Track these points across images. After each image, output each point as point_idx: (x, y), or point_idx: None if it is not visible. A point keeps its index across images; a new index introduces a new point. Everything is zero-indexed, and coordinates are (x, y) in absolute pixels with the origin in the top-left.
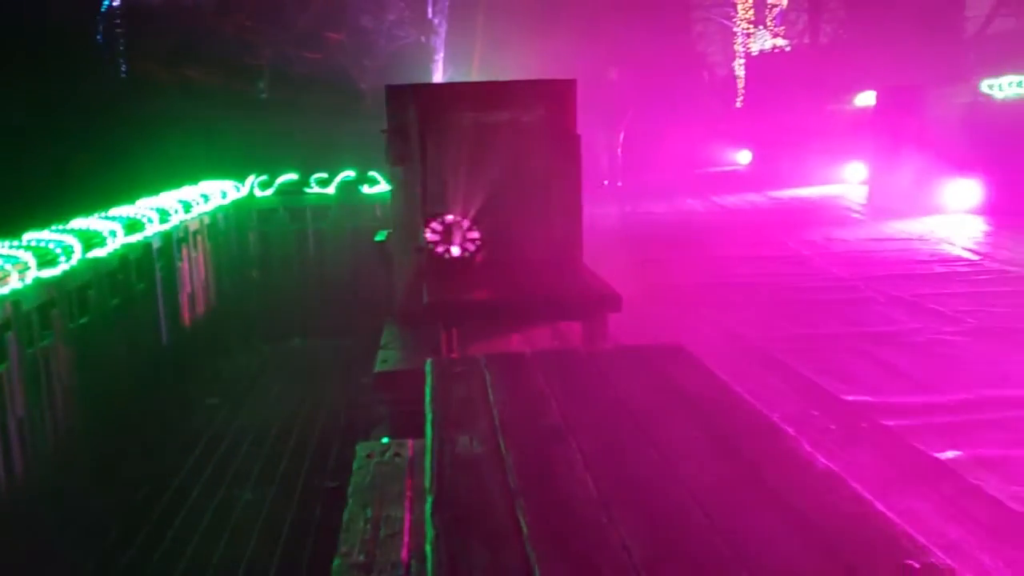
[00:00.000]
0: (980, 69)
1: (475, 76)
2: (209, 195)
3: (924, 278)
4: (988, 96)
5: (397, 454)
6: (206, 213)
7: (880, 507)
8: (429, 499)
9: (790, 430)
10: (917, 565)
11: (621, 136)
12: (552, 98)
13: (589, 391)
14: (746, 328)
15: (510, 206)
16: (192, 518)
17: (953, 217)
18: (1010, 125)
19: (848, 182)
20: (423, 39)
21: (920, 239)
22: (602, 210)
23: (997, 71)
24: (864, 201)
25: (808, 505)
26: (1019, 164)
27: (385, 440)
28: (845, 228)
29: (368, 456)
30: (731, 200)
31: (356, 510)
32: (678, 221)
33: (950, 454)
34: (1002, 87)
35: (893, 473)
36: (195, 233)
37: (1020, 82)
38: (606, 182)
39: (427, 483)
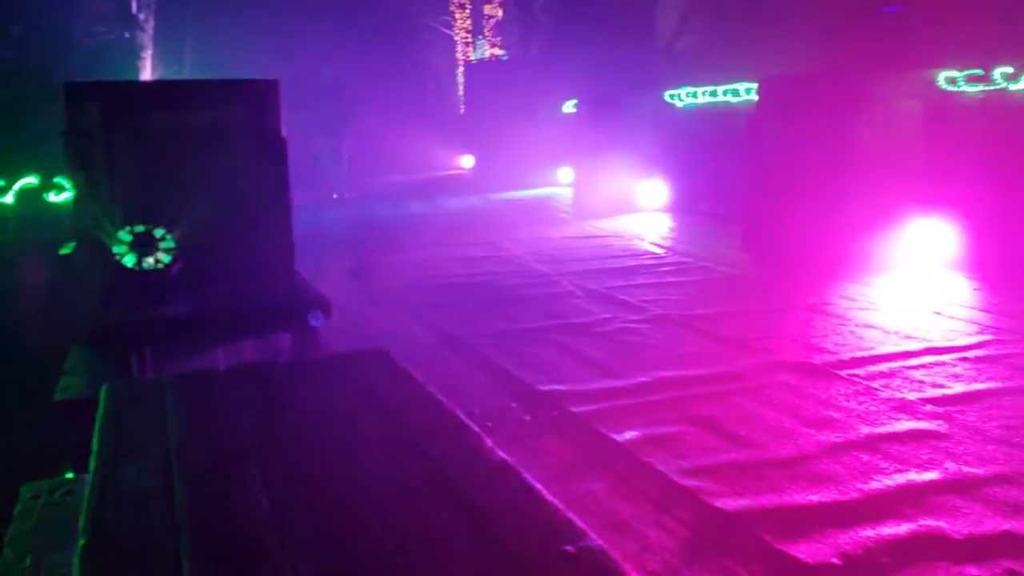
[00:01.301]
0: (666, 81)
1: (188, 75)
2: None
3: (617, 271)
4: (671, 105)
5: (69, 492)
6: None
7: (547, 496)
8: (81, 541)
9: (475, 427)
10: (572, 550)
11: (347, 143)
12: (253, 99)
13: (286, 406)
14: (457, 327)
15: (210, 212)
16: None
17: (645, 215)
18: (688, 132)
19: (560, 184)
20: (127, 35)
21: (616, 236)
22: (327, 216)
23: (679, 83)
24: (571, 202)
25: (484, 500)
26: (695, 166)
27: (69, 475)
28: (552, 227)
29: (34, 497)
30: (454, 203)
31: (12, 560)
32: (402, 224)
33: (628, 435)
34: (680, 97)
35: (577, 458)
36: None
37: (694, 93)
38: (336, 195)
39: (81, 523)
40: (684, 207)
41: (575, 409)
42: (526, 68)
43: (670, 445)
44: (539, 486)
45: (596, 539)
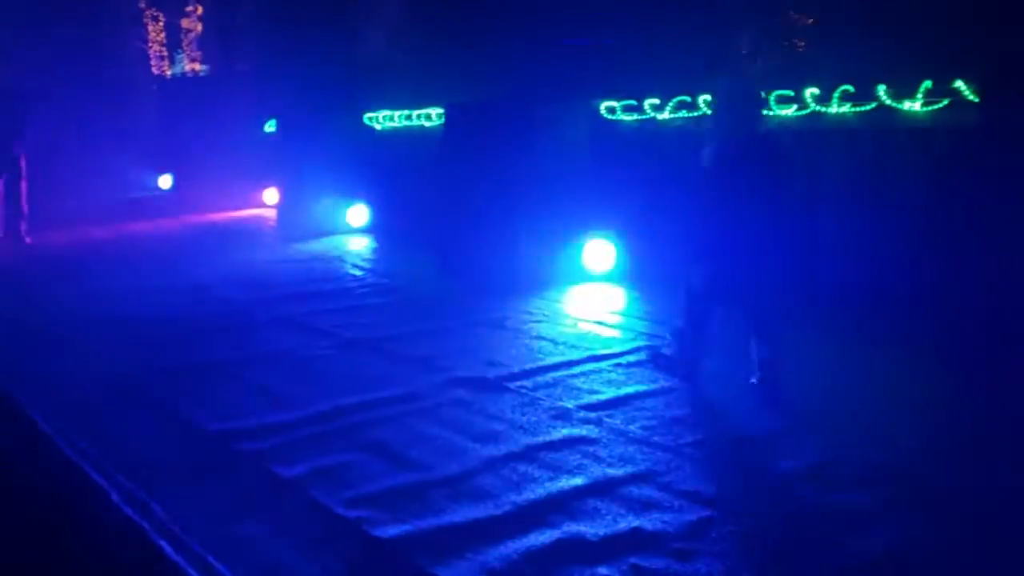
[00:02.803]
0: (367, 102)
1: None
2: None
3: (313, 296)
4: (371, 126)
5: None
6: None
7: (171, 554)
8: None
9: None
10: None
11: (22, 162)
12: None
13: None
14: (130, 366)
15: None
16: None
17: (349, 237)
18: (388, 154)
19: (266, 205)
20: None
21: (317, 259)
22: None
23: (378, 105)
24: (274, 224)
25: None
26: (395, 188)
27: None
28: (253, 251)
29: None
30: (146, 228)
31: None
32: (83, 253)
33: (297, 469)
34: (379, 120)
35: (240, 500)
36: None
37: (391, 116)
38: (28, 240)
39: None
40: (386, 228)
41: (246, 447)
42: (228, 84)
43: (338, 475)
44: (164, 543)
45: None
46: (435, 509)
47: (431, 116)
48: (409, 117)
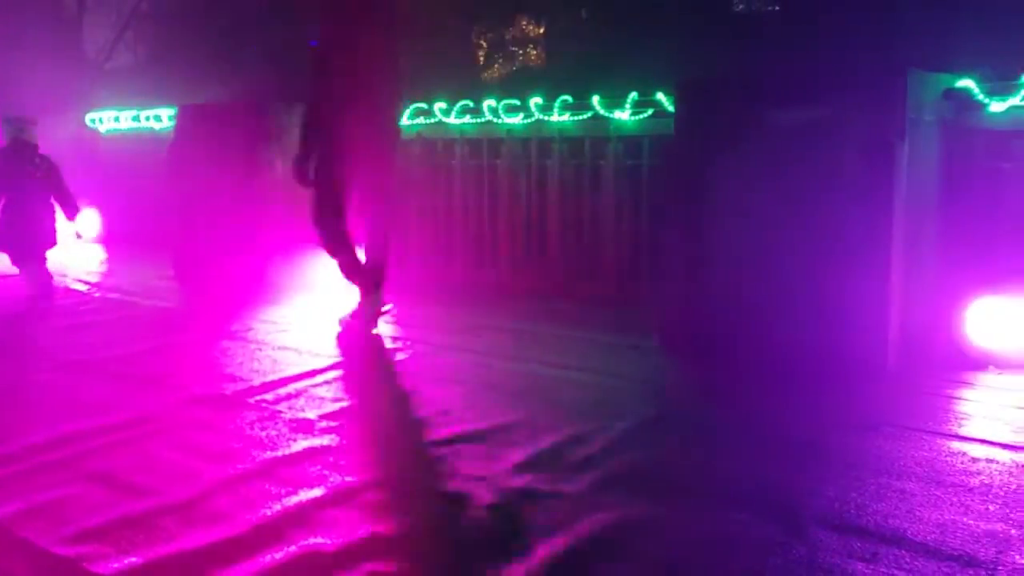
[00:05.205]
0: (92, 102)
1: None
2: None
3: (26, 316)
4: (94, 129)
5: None
6: None
7: None
8: None
9: None
10: None
11: None
12: None
13: None
14: None
15: None
16: None
17: (76, 248)
18: (118, 158)
19: None
20: None
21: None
22: None
23: (104, 105)
24: None
25: None
26: (127, 194)
27: None
28: None
29: None
30: None
31: None
32: None
33: (5, 510)
34: (103, 120)
35: None
36: None
37: (118, 117)
38: None
39: None
40: (118, 238)
41: None
42: None
43: (56, 511)
44: None
45: None
46: (165, 537)
47: (161, 118)
48: (137, 119)
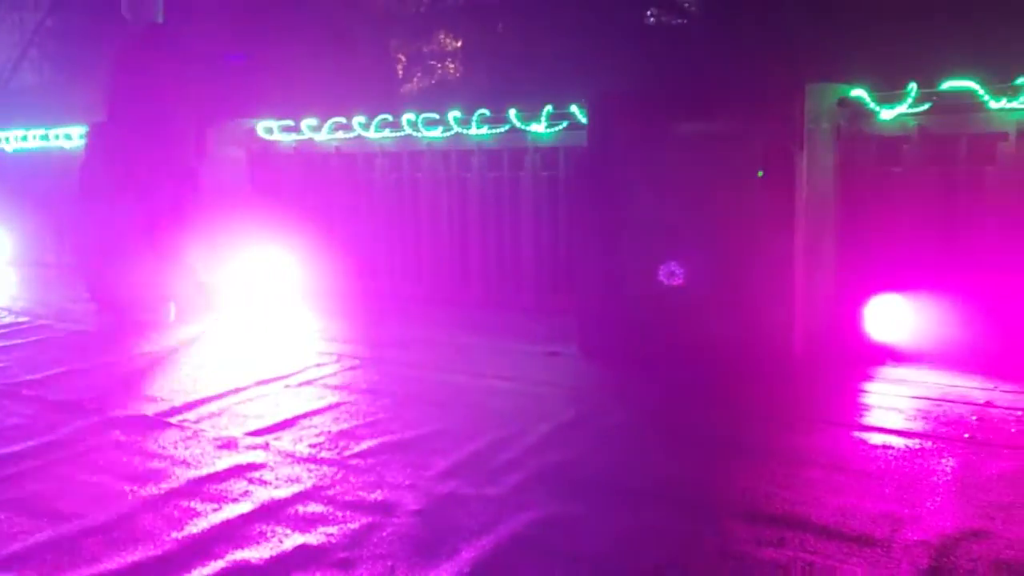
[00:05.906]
0: (3, 120)
1: None
2: None
3: None
4: (2, 149)
5: None
6: None
7: None
8: None
9: None
10: None
11: None
12: None
13: None
14: None
15: None
16: None
17: None
18: (27, 177)
19: None
20: None
21: None
22: None
23: (11, 124)
24: None
25: None
26: (38, 215)
27: None
28: None
29: None
30: None
31: None
32: None
33: None
34: (9, 140)
35: None
36: None
37: (25, 136)
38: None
39: None
40: (31, 259)
41: None
42: None
43: None
44: None
45: None
46: (89, 559)
47: (71, 136)
48: (46, 137)
